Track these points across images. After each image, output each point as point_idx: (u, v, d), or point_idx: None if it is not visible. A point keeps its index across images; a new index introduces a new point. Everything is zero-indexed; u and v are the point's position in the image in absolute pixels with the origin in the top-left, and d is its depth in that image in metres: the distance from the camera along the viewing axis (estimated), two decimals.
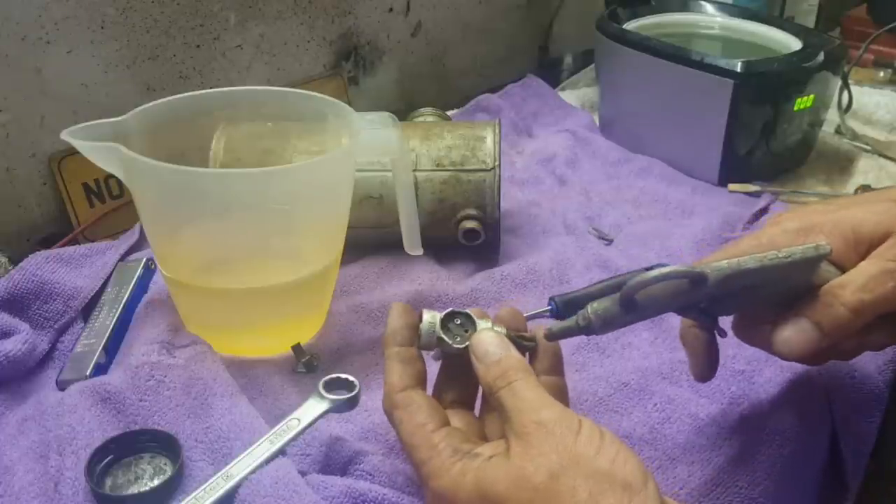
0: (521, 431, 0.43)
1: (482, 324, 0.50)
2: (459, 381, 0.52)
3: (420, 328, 0.50)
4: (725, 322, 0.54)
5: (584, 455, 0.41)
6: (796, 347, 0.50)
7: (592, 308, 0.48)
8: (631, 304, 0.47)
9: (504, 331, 0.50)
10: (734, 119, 0.87)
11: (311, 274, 0.64)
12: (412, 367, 0.49)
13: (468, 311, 0.50)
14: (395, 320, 0.51)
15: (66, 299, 0.67)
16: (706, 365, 0.55)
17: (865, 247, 0.51)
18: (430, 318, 0.49)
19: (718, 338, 0.54)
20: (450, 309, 0.50)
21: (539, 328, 0.51)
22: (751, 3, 1.11)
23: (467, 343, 0.49)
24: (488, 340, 0.48)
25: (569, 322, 0.49)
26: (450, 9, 1.16)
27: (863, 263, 0.50)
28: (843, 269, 0.51)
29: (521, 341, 0.50)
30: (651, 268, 0.52)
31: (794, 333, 0.50)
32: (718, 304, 0.51)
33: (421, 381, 0.50)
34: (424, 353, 0.51)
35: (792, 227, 0.53)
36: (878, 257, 0.50)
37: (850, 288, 0.49)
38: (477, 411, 0.53)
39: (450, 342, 0.49)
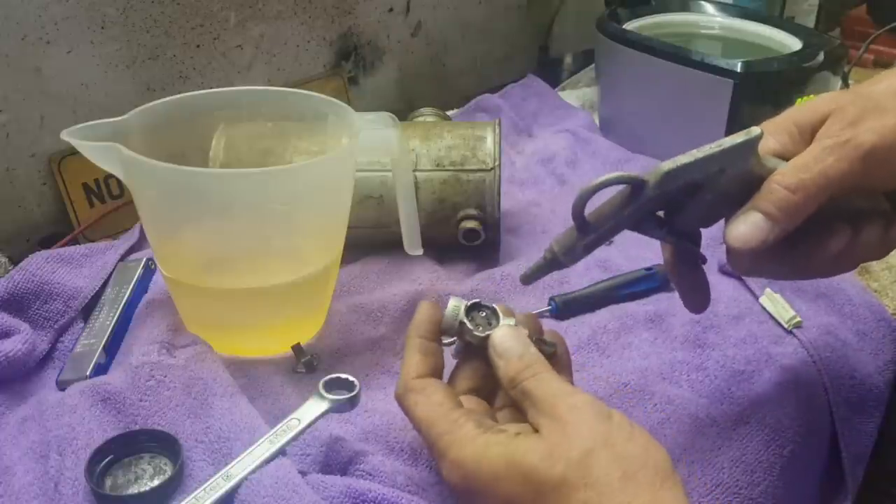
0: (554, 413, 0.44)
1: (506, 321, 0.50)
2: (476, 374, 0.52)
3: (445, 311, 0.51)
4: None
5: (618, 439, 0.42)
6: (748, 238, 0.48)
7: (554, 240, 0.49)
8: (584, 224, 0.48)
9: (525, 332, 0.50)
10: (734, 119, 0.87)
11: (311, 274, 0.64)
12: (431, 358, 0.50)
13: (495, 305, 0.51)
14: (421, 313, 0.51)
15: (66, 299, 0.67)
16: (695, 296, 0.55)
17: (809, 135, 0.51)
18: (456, 302, 0.51)
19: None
20: (476, 299, 0.51)
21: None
22: (751, 3, 1.11)
23: (488, 333, 0.49)
24: (509, 336, 0.49)
25: (537, 262, 0.50)
26: (450, 9, 1.16)
27: (806, 149, 0.50)
28: None
29: (541, 345, 0.51)
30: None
31: (743, 225, 0.49)
32: (673, 212, 0.51)
33: (438, 374, 0.50)
34: (445, 351, 0.52)
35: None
36: (817, 139, 0.50)
37: (790, 170, 0.48)
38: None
39: (471, 328, 0.50)
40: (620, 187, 0.48)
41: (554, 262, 0.49)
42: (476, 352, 0.51)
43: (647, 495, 0.40)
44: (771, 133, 0.51)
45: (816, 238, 0.51)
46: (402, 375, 0.50)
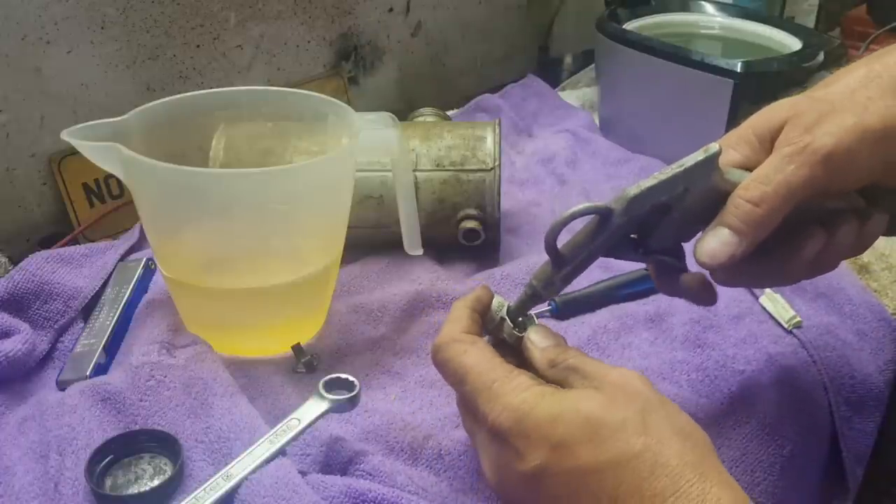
0: (606, 380, 0.45)
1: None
2: None
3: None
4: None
5: (669, 409, 0.44)
6: (716, 254, 0.49)
7: (533, 275, 0.51)
8: (558, 257, 0.49)
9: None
10: (734, 119, 0.87)
11: (311, 274, 0.64)
12: (477, 327, 0.51)
13: (531, 313, 0.53)
14: (477, 292, 0.53)
15: (66, 299, 0.67)
16: (701, 299, 0.55)
17: (769, 144, 0.50)
18: (500, 300, 0.53)
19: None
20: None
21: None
22: (751, 3, 1.11)
23: (522, 335, 0.51)
24: (545, 331, 0.50)
25: (520, 297, 0.52)
26: (450, 9, 1.16)
27: (766, 159, 0.50)
28: None
29: None
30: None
31: (712, 241, 0.49)
32: (648, 237, 0.51)
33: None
34: None
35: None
36: (776, 147, 0.49)
37: (752, 183, 0.48)
38: None
39: (511, 324, 0.52)
40: (590, 217, 0.49)
41: (535, 297, 0.51)
42: (502, 352, 0.51)
43: (698, 455, 0.42)
44: (732, 145, 0.52)
45: (791, 244, 0.50)
46: (446, 331, 0.50)
